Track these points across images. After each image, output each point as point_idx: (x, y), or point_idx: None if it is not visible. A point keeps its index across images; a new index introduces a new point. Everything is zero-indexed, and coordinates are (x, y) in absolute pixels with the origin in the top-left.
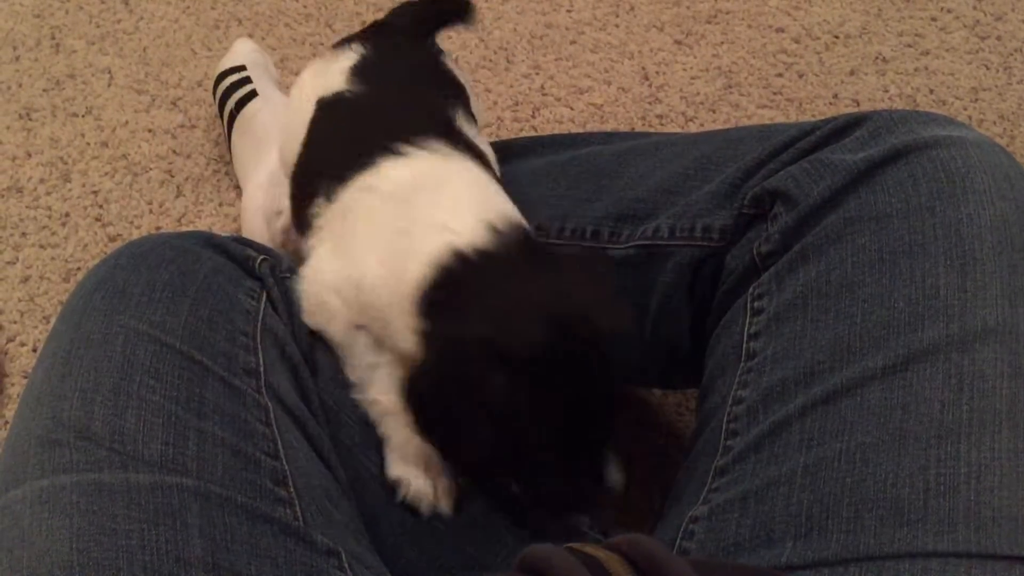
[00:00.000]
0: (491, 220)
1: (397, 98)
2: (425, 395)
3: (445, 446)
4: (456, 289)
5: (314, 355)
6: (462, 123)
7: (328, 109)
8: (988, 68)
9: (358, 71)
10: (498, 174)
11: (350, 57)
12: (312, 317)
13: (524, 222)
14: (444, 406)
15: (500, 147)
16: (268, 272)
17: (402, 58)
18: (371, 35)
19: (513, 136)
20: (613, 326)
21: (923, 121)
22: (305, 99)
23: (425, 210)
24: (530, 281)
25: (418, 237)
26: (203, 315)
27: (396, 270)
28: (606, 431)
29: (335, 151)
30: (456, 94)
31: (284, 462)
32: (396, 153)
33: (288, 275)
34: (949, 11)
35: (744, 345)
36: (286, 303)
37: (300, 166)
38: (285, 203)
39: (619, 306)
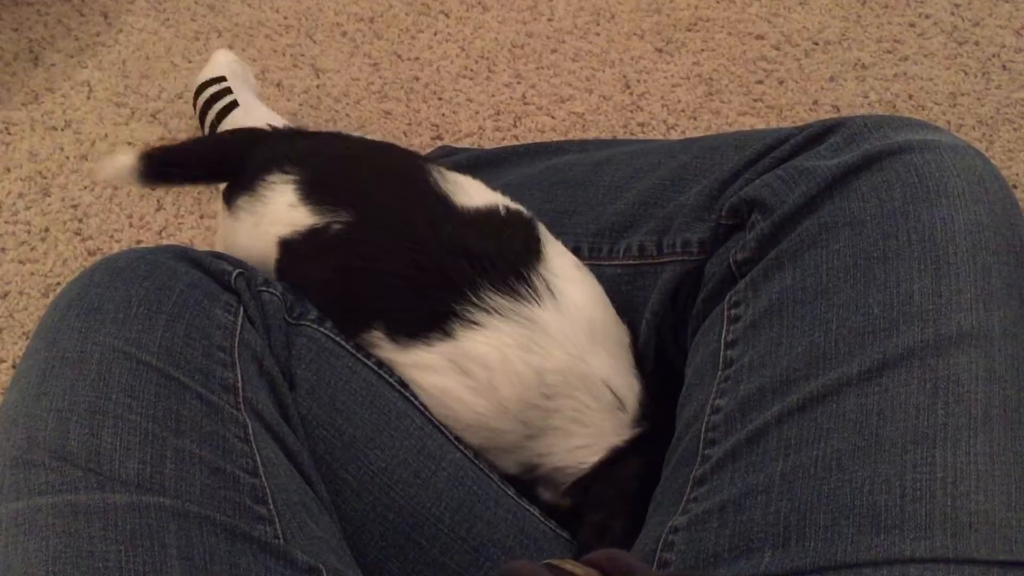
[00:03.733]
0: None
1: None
2: None
3: None
4: None
5: (293, 368)
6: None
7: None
8: (966, 73)
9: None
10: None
11: (286, 190)
12: None
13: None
14: None
15: (476, 157)
16: (244, 286)
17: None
18: (288, 158)
19: (495, 145)
20: None
21: (897, 126)
22: (254, 248)
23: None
24: None
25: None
26: (179, 331)
27: None
28: None
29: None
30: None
31: (263, 479)
32: (470, 321)
33: (263, 288)
34: (927, 17)
35: (721, 353)
36: (262, 317)
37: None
38: None
39: None
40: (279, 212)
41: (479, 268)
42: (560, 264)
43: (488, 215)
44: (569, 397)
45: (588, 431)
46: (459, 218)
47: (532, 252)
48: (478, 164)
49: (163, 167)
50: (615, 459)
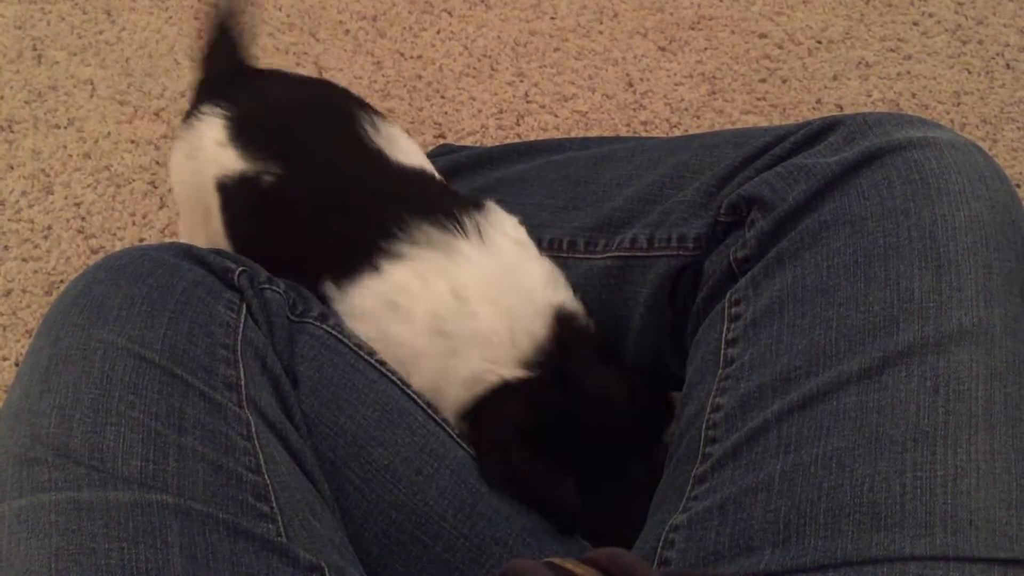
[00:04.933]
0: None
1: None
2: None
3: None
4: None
5: (295, 366)
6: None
7: (248, 194)
8: (970, 72)
9: (242, 141)
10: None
11: (214, 125)
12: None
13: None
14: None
15: (477, 155)
16: (247, 284)
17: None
18: (220, 89)
19: (497, 144)
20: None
21: (897, 123)
22: (193, 185)
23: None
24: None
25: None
26: (183, 329)
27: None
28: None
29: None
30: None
31: (266, 476)
32: (394, 255)
33: (266, 286)
34: (931, 16)
35: (722, 352)
36: (265, 314)
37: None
38: None
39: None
40: (208, 147)
41: (409, 208)
42: (501, 219)
43: (422, 172)
44: (474, 319)
45: (484, 360)
46: (392, 172)
47: (472, 202)
48: (479, 162)
49: None
50: (501, 393)
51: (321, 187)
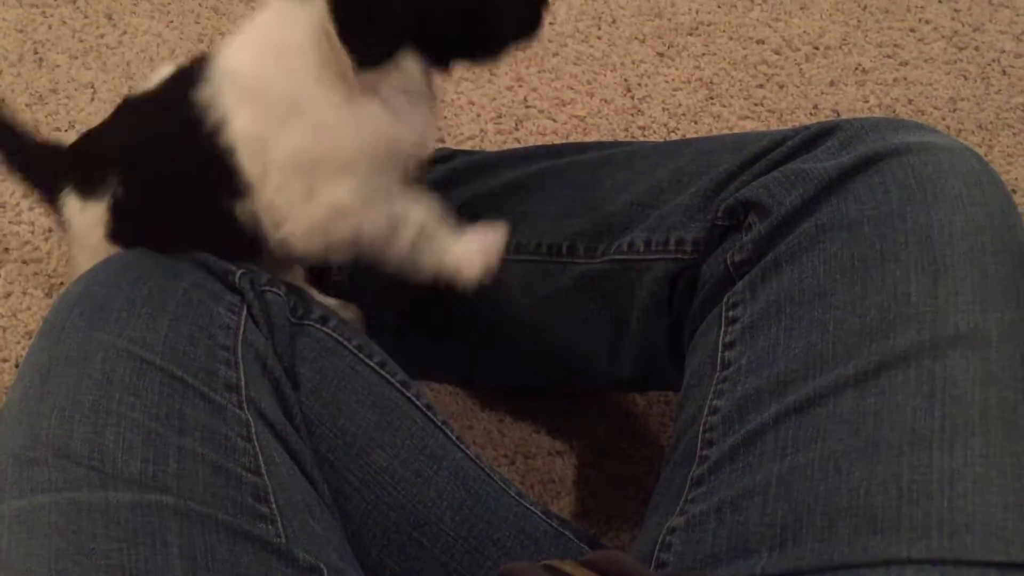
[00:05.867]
0: None
1: None
2: None
3: None
4: None
5: (296, 368)
6: None
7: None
8: (966, 78)
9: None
10: None
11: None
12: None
13: None
14: None
15: (474, 163)
16: (248, 286)
17: None
18: None
19: (496, 148)
20: None
21: (894, 128)
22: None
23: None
24: None
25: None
26: (183, 331)
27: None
28: None
29: None
30: None
31: (265, 477)
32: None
33: (267, 288)
34: (927, 22)
35: (719, 355)
36: (266, 316)
37: None
38: None
39: None
40: (78, 224)
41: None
42: None
43: None
44: None
45: None
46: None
47: None
48: (477, 170)
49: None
50: None
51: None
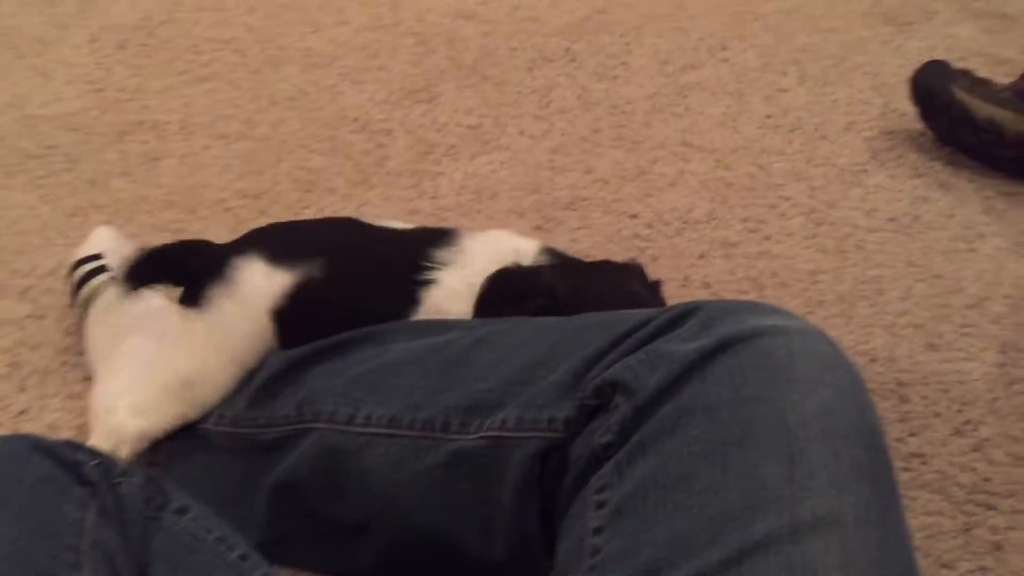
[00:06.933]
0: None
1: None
2: None
3: None
4: None
5: (150, 567)
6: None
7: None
8: (824, 252)
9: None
10: None
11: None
12: None
13: None
14: None
15: (365, 334)
16: (100, 477)
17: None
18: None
19: None
20: None
21: (750, 311)
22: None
23: None
24: None
25: None
26: (25, 529)
27: None
28: None
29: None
30: None
31: None
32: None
33: (121, 479)
34: (787, 199)
35: (588, 540)
36: (118, 510)
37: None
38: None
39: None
40: (258, 282)
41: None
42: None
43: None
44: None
45: None
46: (396, 233)
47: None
48: (367, 343)
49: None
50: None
51: (358, 264)
